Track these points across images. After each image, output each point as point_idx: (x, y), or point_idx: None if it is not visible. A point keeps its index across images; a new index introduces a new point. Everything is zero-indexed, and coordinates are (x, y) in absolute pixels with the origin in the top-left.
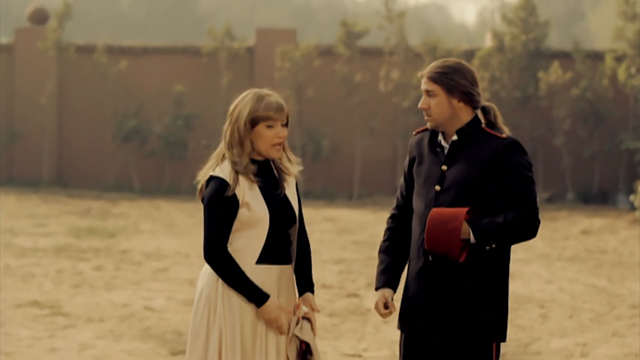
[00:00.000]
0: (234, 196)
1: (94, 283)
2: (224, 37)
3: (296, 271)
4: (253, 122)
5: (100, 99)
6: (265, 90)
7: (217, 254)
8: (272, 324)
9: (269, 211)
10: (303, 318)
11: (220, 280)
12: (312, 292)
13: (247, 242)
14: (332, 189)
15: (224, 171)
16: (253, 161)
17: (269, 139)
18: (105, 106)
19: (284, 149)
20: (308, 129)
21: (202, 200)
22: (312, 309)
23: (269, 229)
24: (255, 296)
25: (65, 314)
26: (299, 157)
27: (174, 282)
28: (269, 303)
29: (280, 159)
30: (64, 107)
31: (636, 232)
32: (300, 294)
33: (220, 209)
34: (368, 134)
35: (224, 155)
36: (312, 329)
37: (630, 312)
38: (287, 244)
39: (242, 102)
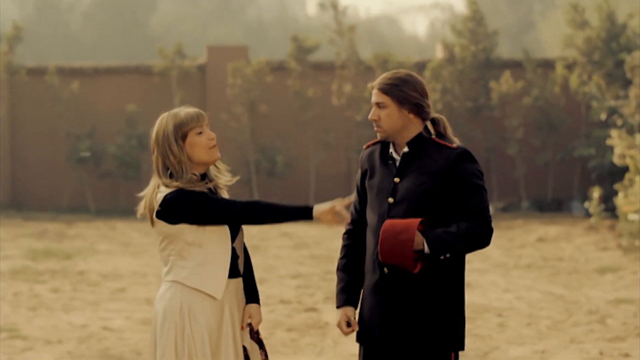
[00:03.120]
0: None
1: (52, 305)
2: (175, 56)
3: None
4: (183, 136)
5: (53, 121)
6: (176, 109)
7: (243, 212)
8: (333, 221)
9: None
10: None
11: (182, 301)
12: (258, 302)
13: (212, 257)
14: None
15: (171, 186)
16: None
17: (205, 144)
18: (59, 128)
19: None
20: (262, 145)
21: (169, 217)
22: (249, 319)
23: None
24: (303, 212)
25: (23, 337)
26: (254, 174)
27: (132, 302)
28: (318, 210)
29: (215, 165)
30: (16, 130)
31: (591, 238)
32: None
33: (209, 197)
34: (322, 149)
35: (158, 186)
36: (253, 334)
37: (587, 319)
38: (236, 257)
39: (162, 126)
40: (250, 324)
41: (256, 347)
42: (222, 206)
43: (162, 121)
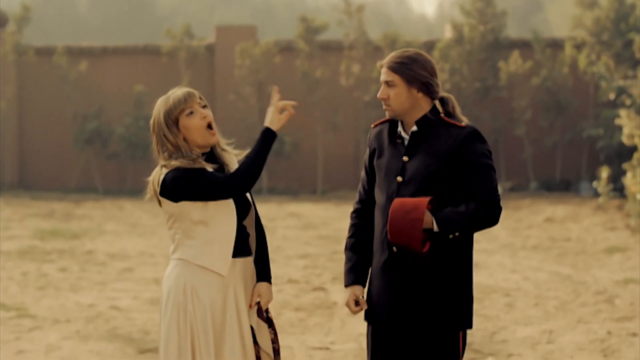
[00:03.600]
0: (205, 169)
1: (60, 285)
2: (183, 37)
3: (255, 262)
4: (175, 120)
5: (60, 102)
6: (170, 91)
7: (238, 183)
8: (287, 117)
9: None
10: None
11: (187, 280)
12: (268, 281)
13: (218, 235)
14: (295, 185)
15: (169, 166)
16: None
17: (198, 125)
18: (66, 108)
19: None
20: None
21: (170, 196)
22: (258, 297)
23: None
24: (268, 137)
25: (31, 316)
26: None
27: (139, 281)
28: (272, 124)
29: (218, 144)
30: (24, 111)
31: (599, 219)
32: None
33: (206, 172)
34: (330, 130)
35: (161, 167)
36: (261, 313)
37: (594, 299)
38: (246, 235)
39: (155, 113)
40: (258, 303)
41: (264, 325)
42: (217, 180)
43: (156, 108)
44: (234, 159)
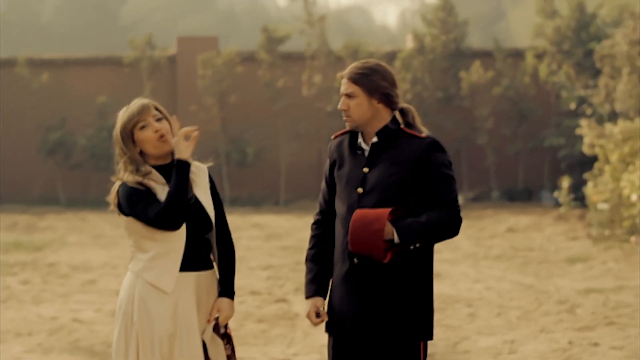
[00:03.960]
0: (150, 192)
1: (22, 297)
2: (145, 47)
3: (220, 275)
4: (130, 134)
5: (23, 112)
6: (131, 102)
7: (164, 218)
8: (191, 145)
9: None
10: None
11: (136, 291)
12: (230, 297)
13: (165, 250)
14: (258, 195)
15: (130, 178)
16: (155, 168)
17: (150, 137)
18: (29, 119)
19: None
20: (232, 135)
21: (120, 209)
22: (217, 312)
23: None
24: (181, 168)
25: None
26: (225, 165)
27: (103, 293)
28: (180, 153)
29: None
30: None
31: (561, 228)
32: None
33: (143, 196)
34: (293, 139)
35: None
36: (218, 328)
37: (557, 308)
38: (204, 249)
39: (116, 125)
40: (217, 318)
41: (219, 342)
42: (148, 211)
43: (117, 120)
44: (201, 170)
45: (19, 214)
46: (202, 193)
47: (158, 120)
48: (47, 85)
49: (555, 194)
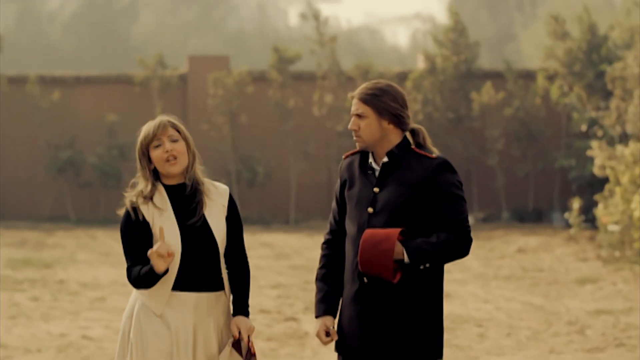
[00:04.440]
0: (144, 221)
1: (31, 314)
2: (156, 66)
3: (233, 296)
4: (146, 152)
5: (33, 130)
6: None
7: (128, 276)
8: (163, 260)
9: (181, 238)
10: (233, 345)
11: (135, 309)
12: (245, 314)
13: None
14: (268, 214)
15: (129, 198)
16: (168, 188)
17: (159, 157)
18: (39, 137)
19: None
20: (242, 155)
21: None
22: (238, 331)
23: (182, 255)
24: (150, 275)
25: (2, 346)
26: (235, 184)
27: (112, 311)
28: (155, 266)
29: (195, 179)
30: None
31: (571, 249)
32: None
33: (127, 235)
34: (302, 159)
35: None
36: (243, 352)
37: (567, 329)
38: (209, 270)
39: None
40: (239, 334)
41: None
42: (125, 250)
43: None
44: (220, 191)
45: (29, 231)
46: (214, 215)
47: (173, 141)
48: (57, 103)
49: (566, 215)
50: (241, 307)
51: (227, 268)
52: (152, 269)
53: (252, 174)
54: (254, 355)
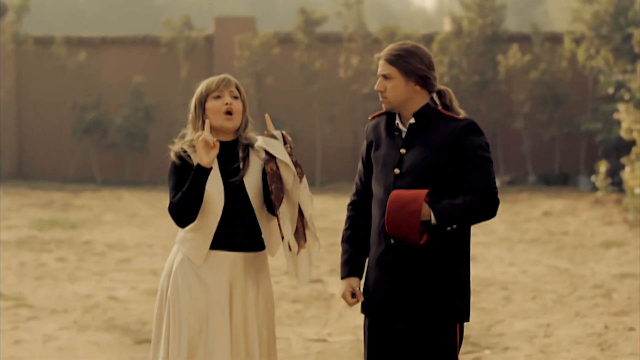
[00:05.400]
0: (189, 167)
1: (57, 275)
2: (182, 27)
3: None
4: (203, 101)
5: (59, 92)
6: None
7: (172, 207)
8: (208, 147)
9: (224, 194)
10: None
11: (174, 266)
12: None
13: (201, 224)
14: None
15: (177, 146)
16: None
17: (218, 108)
18: (65, 98)
19: (243, 128)
20: None
21: None
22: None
23: (223, 212)
24: (198, 172)
25: (29, 306)
26: None
27: (138, 272)
28: (201, 161)
29: (244, 136)
30: (23, 101)
31: (597, 213)
32: None
33: (174, 175)
34: (328, 122)
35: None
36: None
37: (592, 293)
38: (246, 230)
39: (196, 90)
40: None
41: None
42: (171, 188)
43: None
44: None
45: (55, 192)
46: (253, 175)
47: (234, 97)
48: (83, 64)
49: (592, 178)
50: None
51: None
52: (197, 169)
53: None
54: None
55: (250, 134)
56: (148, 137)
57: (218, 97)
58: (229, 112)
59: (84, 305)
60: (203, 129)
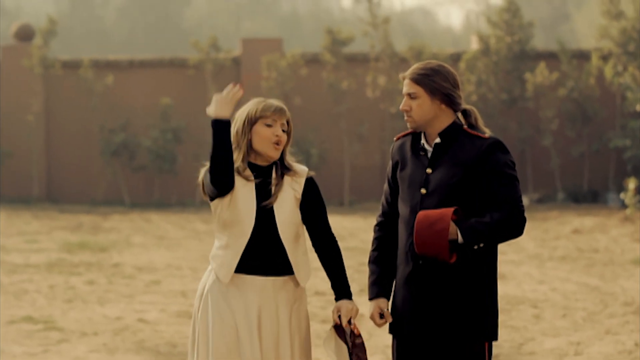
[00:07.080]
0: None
1: (87, 297)
2: (210, 49)
3: (330, 280)
4: (252, 121)
5: (87, 115)
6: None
7: (211, 176)
8: (228, 100)
9: (255, 216)
10: (335, 327)
11: (206, 287)
12: (346, 297)
13: (232, 241)
14: (322, 196)
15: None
16: (254, 167)
17: (267, 137)
18: (93, 121)
19: (284, 156)
20: (296, 137)
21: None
22: (339, 317)
23: (252, 233)
24: (217, 125)
25: (59, 329)
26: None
27: (167, 294)
28: (215, 112)
29: (282, 165)
30: (51, 124)
31: (627, 230)
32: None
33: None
34: (356, 141)
35: None
36: (346, 335)
37: (623, 310)
38: (273, 255)
39: (244, 107)
40: (339, 320)
41: (342, 346)
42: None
43: (247, 103)
44: (296, 176)
45: (84, 215)
46: (284, 204)
47: (283, 130)
48: (111, 87)
49: (621, 195)
50: (341, 290)
51: (317, 252)
52: (216, 123)
53: (306, 156)
54: (359, 336)
55: (289, 159)
56: (176, 159)
57: (269, 125)
58: (277, 143)
59: (114, 327)
60: (245, 148)
